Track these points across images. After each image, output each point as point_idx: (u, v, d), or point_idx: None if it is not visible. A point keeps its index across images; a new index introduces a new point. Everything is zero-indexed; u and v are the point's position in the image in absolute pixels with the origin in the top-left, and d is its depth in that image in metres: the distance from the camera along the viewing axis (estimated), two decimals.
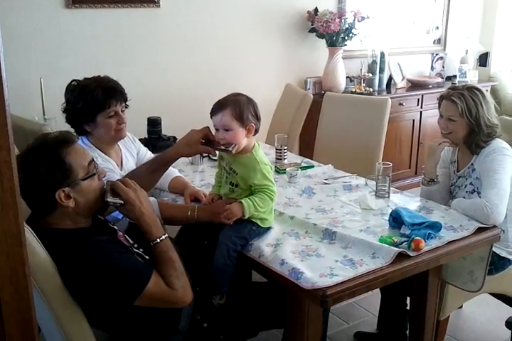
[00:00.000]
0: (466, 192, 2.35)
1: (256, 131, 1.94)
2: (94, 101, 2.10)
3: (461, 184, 2.38)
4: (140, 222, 1.68)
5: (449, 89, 2.37)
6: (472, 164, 2.32)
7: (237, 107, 1.87)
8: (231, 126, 1.87)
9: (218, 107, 1.89)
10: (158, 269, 1.63)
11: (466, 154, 2.37)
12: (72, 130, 2.19)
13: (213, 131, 1.97)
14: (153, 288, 1.57)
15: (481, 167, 2.26)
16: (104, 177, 1.71)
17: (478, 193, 2.26)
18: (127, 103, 2.22)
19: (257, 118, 1.92)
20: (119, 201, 1.66)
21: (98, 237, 1.62)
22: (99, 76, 2.19)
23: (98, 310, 1.64)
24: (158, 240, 1.67)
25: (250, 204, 1.89)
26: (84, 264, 1.53)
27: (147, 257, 1.72)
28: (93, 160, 1.67)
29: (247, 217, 1.90)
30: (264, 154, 1.98)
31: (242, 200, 1.90)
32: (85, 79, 2.18)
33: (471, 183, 2.33)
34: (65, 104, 2.19)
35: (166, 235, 1.70)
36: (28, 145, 1.62)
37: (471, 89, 2.30)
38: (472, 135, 2.29)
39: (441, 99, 2.37)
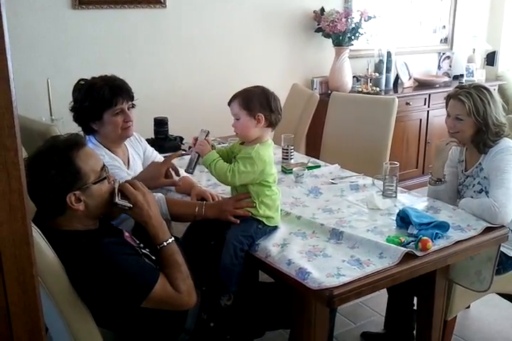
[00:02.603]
0: (474, 191, 2.34)
1: (271, 124, 1.93)
2: (100, 98, 2.11)
3: (469, 183, 2.38)
4: (147, 225, 1.68)
5: (456, 88, 2.36)
6: (480, 163, 2.31)
7: (245, 97, 1.92)
8: (239, 114, 1.92)
9: (232, 97, 1.95)
10: (164, 272, 1.63)
11: (474, 153, 2.36)
12: (79, 129, 2.21)
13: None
14: (160, 291, 1.57)
15: (489, 166, 2.25)
16: (113, 180, 1.71)
17: (486, 193, 2.25)
18: (134, 103, 2.23)
19: (270, 109, 1.91)
20: (128, 204, 1.65)
21: (108, 239, 1.62)
22: (106, 75, 2.21)
23: (105, 311, 1.65)
24: (165, 243, 1.67)
25: (213, 157, 1.90)
26: (94, 266, 1.53)
27: (153, 257, 1.73)
28: (105, 165, 1.67)
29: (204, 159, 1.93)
30: (270, 154, 1.96)
31: (212, 152, 1.93)
32: (92, 78, 2.20)
33: (478, 183, 2.32)
34: (72, 103, 2.20)
35: (173, 238, 1.70)
36: (38, 147, 1.61)
37: (479, 88, 2.29)
38: (480, 134, 2.28)
39: (448, 98, 2.37)
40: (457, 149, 2.46)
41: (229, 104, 1.95)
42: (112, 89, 2.13)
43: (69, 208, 1.57)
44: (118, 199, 1.64)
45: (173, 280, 1.62)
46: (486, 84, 2.43)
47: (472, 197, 2.31)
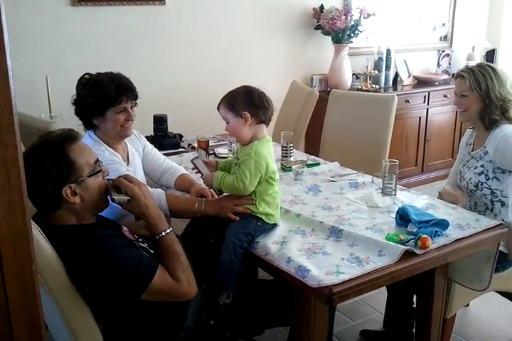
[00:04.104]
0: (474, 173, 2.39)
1: (261, 120, 1.92)
2: (105, 96, 2.11)
3: (472, 165, 2.42)
4: (145, 217, 1.69)
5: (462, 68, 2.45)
6: (485, 147, 2.35)
7: (229, 99, 1.93)
8: (227, 117, 1.94)
9: (219, 103, 1.96)
10: (163, 263, 1.63)
11: (481, 135, 2.41)
12: (78, 126, 2.21)
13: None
14: (160, 281, 1.58)
15: (497, 156, 2.29)
16: (107, 175, 1.71)
17: (486, 176, 2.32)
18: (137, 101, 2.23)
19: (255, 106, 1.90)
20: (125, 197, 1.67)
21: (103, 232, 1.63)
22: (111, 72, 2.20)
23: (105, 307, 1.65)
24: (164, 233, 1.68)
25: (219, 177, 1.94)
26: (91, 259, 1.54)
27: (152, 251, 1.74)
28: (98, 159, 1.68)
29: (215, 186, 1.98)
30: (270, 150, 1.96)
31: (216, 173, 1.98)
32: (98, 73, 2.18)
33: (482, 165, 2.36)
34: (75, 96, 2.19)
35: (171, 228, 1.71)
36: (32, 143, 1.62)
37: (481, 65, 2.39)
38: (485, 109, 2.33)
39: (454, 79, 2.45)
40: (468, 133, 2.54)
41: (217, 109, 1.97)
42: (118, 87, 2.12)
43: (65, 201, 1.58)
44: (115, 196, 1.65)
45: (172, 271, 1.62)
46: None
47: (471, 179, 2.38)
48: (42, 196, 1.58)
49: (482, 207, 2.40)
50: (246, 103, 1.90)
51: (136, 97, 2.20)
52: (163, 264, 1.63)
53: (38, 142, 1.63)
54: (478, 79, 2.31)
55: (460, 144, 2.59)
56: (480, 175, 2.36)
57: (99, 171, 1.66)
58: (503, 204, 2.35)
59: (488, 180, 2.34)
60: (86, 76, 2.18)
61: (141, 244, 1.75)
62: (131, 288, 1.56)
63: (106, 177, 1.70)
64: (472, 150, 2.46)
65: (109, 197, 1.67)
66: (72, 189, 1.58)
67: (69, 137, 1.63)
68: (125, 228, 1.79)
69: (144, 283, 1.56)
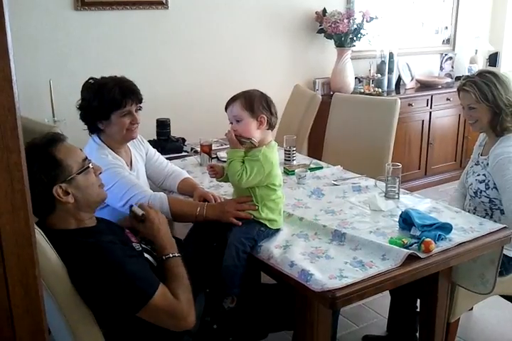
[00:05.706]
0: (476, 180, 2.39)
1: (271, 126, 1.94)
2: (110, 99, 2.11)
3: (476, 170, 2.43)
4: (156, 239, 1.74)
5: (463, 79, 2.42)
6: (488, 157, 2.35)
7: (247, 98, 1.91)
8: (241, 116, 1.90)
9: (231, 100, 1.94)
10: (165, 283, 1.62)
11: (491, 142, 2.40)
12: (82, 130, 2.22)
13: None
14: (159, 298, 1.56)
15: (493, 178, 2.29)
16: (100, 173, 1.71)
17: (487, 185, 2.32)
18: (141, 105, 2.23)
19: (270, 112, 1.92)
20: (141, 211, 1.79)
21: (106, 237, 1.62)
22: (115, 76, 2.20)
23: (107, 313, 1.64)
24: (171, 255, 1.70)
25: (237, 155, 1.89)
26: (93, 267, 1.53)
27: (155, 253, 1.74)
28: (87, 157, 1.69)
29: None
30: (276, 156, 1.96)
31: (240, 151, 1.90)
32: (102, 77, 2.19)
33: (484, 174, 2.37)
34: (80, 101, 2.19)
35: (179, 255, 1.72)
36: None
37: (482, 74, 2.35)
38: (496, 117, 2.32)
39: (458, 91, 2.43)
40: (484, 134, 2.53)
41: (227, 106, 1.94)
42: (122, 90, 2.13)
43: (58, 202, 1.58)
44: (134, 204, 1.81)
45: (173, 290, 1.61)
46: None
47: (472, 184, 2.38)
48: (34, 199, 1.57)
49: (482, 212, 2.40)
50: (264, 108, 1.91)
51: (140, 100, 2.21)
52: (165, 284, 1.62)
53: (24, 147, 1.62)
54: (483, 90, 2.29)
55: (475, 144, 2.58)
56: (481, 183, 2.35)
57: (88, 168, 1.65)
58: (502, 212, 2.34)
59: (488, 189, 2.33)
60: (90, 80, 2.19)
61: (143, 246, 1.75)
62: (130, 302, 1.54)
63: (112, 173, 1.74)
64: (481, 154, 2.46)
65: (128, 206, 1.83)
66: (63, 188, 1.58)
67: (53, 139, 1.63)
68: (127, 230, 1.79)
69: (143, 299, 1.54)
